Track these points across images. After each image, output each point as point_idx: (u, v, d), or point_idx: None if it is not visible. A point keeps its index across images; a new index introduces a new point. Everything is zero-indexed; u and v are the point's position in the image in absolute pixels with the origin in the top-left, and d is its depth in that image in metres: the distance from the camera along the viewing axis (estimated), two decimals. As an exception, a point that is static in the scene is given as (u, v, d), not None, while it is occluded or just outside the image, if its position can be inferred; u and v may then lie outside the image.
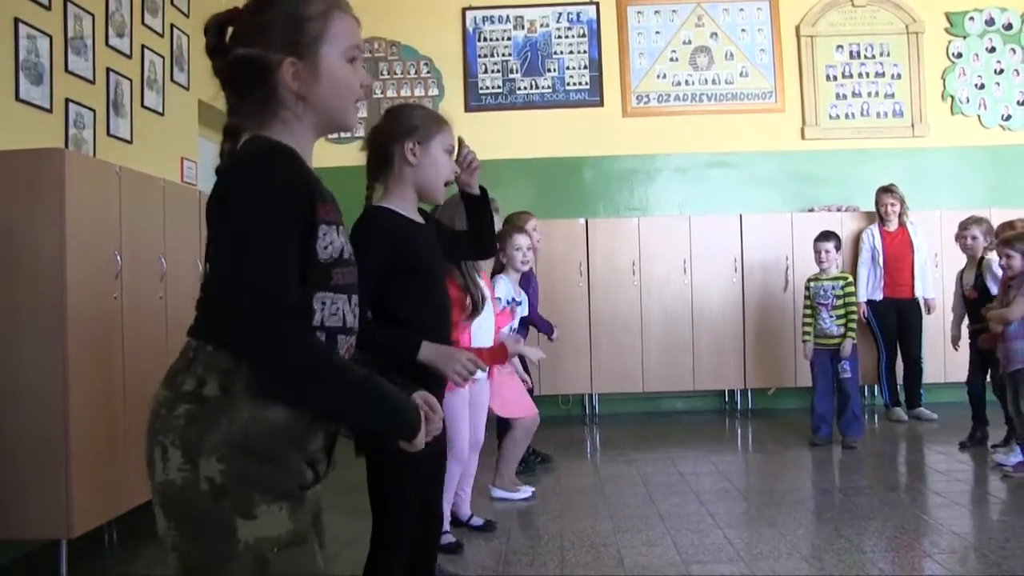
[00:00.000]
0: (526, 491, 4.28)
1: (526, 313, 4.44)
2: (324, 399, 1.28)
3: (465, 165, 2.33)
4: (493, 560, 3.42)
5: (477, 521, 3.77)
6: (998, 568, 3.08)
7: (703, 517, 3.87)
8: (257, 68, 1.33)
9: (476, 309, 2.95)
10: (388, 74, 6.90)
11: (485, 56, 6.94)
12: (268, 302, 1.22)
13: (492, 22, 6.95)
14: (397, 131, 2.17)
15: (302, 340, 1.25)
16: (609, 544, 3.52)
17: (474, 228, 2.44)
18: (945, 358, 5.84)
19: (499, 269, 4.18)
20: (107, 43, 4.44)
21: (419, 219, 2.22)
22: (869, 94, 6.95)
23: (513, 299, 4.18)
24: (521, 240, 4.18)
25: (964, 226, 5.20)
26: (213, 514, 1.23)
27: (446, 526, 3.45)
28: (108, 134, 4.43)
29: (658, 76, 6.93)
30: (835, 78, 6.96)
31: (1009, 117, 6.90)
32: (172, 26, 5.19)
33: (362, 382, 1.31)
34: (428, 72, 6.92)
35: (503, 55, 6.94)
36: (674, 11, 6.95)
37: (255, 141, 1.33)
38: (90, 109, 4.23)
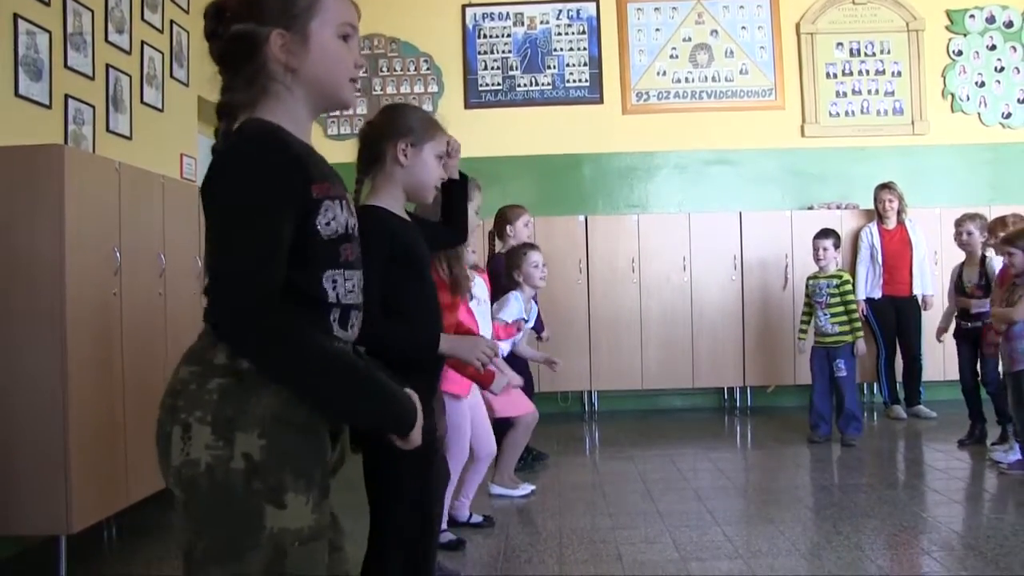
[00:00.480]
0: (525, 488, 4.29)
1: (531, 325, 4.44)
2: (312, 387, 1.26)
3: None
4: (492, 557, 3.43)
5: (477, 518, 3.78)
6: (996, 566, 3.09)
7: (702, 514, 3.87)
8: (247, 42, 1.33)
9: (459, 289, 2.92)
10: (388, 71, 6.90)
11: (485, 53, 6.94)
12: (253, 287, 1.21)
13: (492, 19, 6.95)
14: (391, 130, 2.16)
15: (289, 326, 1.23)
16: (608, 541, 3.53)
17: (447, 213, 2.45)
18: (944, 356, 5.84)
19: (513, 285, 4.17)
20: (107, 39, 4.44)
21: (406, 217, 2.23)
22: (869, 92, 6.95)
23: (523, 319, 4.19)
24: (537, 256, 4.19)
25: (959, 222, 5.23)
26: (242, 497, 1.22)
27: (443, 524, 3.45)
28: (107, 130, 4.42)
29: (658, 73, 6.92)
30: (835, 76, 6.95)
31: (1009, 115, 6.90)
32: (172, 22, 5.18)
33: (356, 372, 1.30)
34: (428, 69, 6.92)
35: (503, 52, 6.94)
36: (674, 8, 6.95)
37: (248, 124, 1.33)
38: (89, 105, 4.23)
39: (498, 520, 3.83)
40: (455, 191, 2.42)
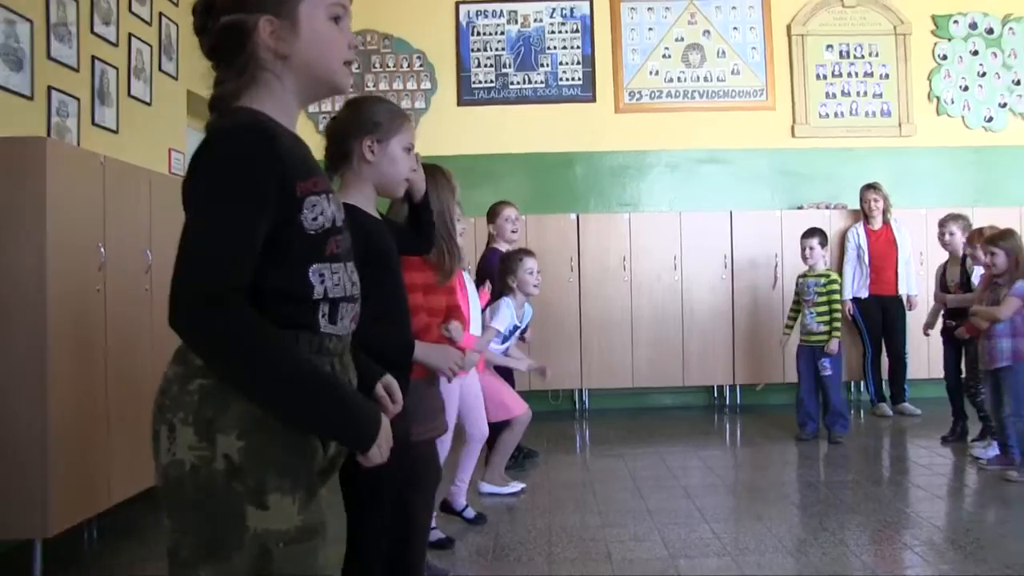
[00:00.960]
0: (515, 486, 4.28)
1: (525, 328, 4.41)
2: (259, 390, 1.21)
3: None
4: (481, 555, 3.42)
5: (470, 513, 3.77)
6: (975, 560, 3.14)
7: (691, 512, 3.88)
8: (236, 33, 1.30)
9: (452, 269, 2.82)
10: (380, 67, 6.88)
11: (478, 50, 6.93)
12: (215, 278, 1.18)
13: (486, 16, 6.94)
14: (356, 126, 2.12)
15: (246, 323, 1.18)
16: (597, 539, 3.53)
17: (415, 223, 2.43)
18: (929, 354, 5.87)
19: (506, 290, 4.16)
20: (92, 30, 4.39)
21: (377, 215, 2.20)
22: (858, 93, 6.98)
23: (516, 327, 4.17)
24: (533, 263, 4.15)
25: (943, 223, 5.32)
26: (224, 498, 1.20)
27: (434, 522, 3.44)
28: (93, 123, 4.38)
29: (650, 72, 6.93)
30: (825, 77, 6.98)
31: (991, 119, 6.95)
32: (160, 15, 5.14)
33: (315, 380, 1.24)
34: (421, 65, 6.90)
35: (496, 49, 6.93)
36: (667, 8, 6.96)
37: (232, 116, 1.30)
38: (74, 97, 4.18)
39: (488, 518, 3.81)
40: (421, 208, 2.40)
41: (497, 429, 4.22)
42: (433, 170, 2.66)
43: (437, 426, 2.60)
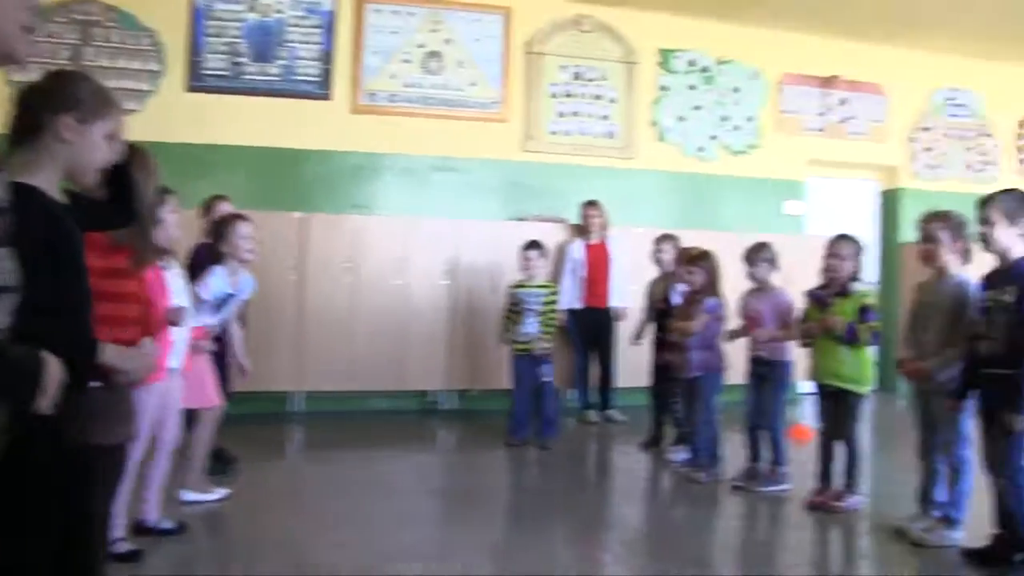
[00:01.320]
0: (219, 492, 4.07)
1: (246, 296, 4.24)
2: None
3: None
4: (174, 565, 3.24)
5: (166, 524, 3.53)
6: (665, 553, 3.44)
7: (399, 516, 3.90)
8: None
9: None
10: (104, 42, 6.32)
11: (213, 35, 6.57)
12: None
13: (223, 1, 6.60)
14: (56, 100, 1.90)
15: None
16: (301, 545, 3.45)
17: (115, 194, 2.24)
18: (635, 364, 6.29)
19: (217, 259, 3.96)
20: None
21: (61, 197, 2.02)
22: (588, 115, 7.44)
23: (228, 295, 3.98)
24: (246, 228, 4.00)
25: (656, 242, 5.75)
26: None
27: (120, 533, 3.19)
28: None
29: (390, 76, 6.93)
30: (558, 96, 7.37)
31: (703, 149, 7.71)
32: None
33: None
34: (149, 44, 6.42)
35: (232, 37, 6.61)
36: (411, 13, 7.00)
37: None
38: None
39: (188, 526, 3.59)
40: (121, 173, 2.24)
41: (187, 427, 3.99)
42: (141, 150, 2.47)
43: (125, 431, 2.43)
